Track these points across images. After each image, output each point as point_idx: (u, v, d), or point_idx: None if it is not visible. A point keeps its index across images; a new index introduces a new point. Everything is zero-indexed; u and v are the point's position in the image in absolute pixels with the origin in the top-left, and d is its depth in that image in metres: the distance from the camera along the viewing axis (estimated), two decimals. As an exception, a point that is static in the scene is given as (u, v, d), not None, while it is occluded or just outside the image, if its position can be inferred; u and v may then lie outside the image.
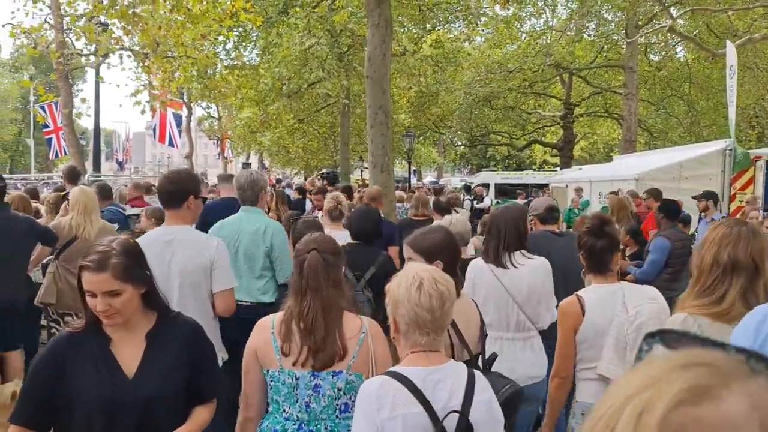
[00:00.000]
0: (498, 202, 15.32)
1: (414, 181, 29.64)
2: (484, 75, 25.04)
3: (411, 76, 17.75)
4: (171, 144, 21.61)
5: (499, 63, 25.19)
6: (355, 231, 4.02)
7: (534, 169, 35.37)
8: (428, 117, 25.46)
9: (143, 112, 11.58)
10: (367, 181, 15.79)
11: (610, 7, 23.02)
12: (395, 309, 1.80)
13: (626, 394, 0.46)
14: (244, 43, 18.54)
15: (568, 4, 25.31)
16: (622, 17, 22.77)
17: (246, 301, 3.79)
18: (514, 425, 2.33)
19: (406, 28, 18.46)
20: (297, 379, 2.11)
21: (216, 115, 31.25)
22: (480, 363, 2.48)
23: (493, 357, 2.55)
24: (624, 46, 24.08)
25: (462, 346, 2.37)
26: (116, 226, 4.94)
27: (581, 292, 2.75)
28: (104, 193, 6.25)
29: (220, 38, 16.36)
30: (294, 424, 2.12)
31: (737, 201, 11.26)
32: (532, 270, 3.24)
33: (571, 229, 10.11)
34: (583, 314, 2.66)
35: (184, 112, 24.75)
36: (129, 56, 11.78)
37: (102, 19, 11.29)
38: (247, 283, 3.86)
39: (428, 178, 47.41)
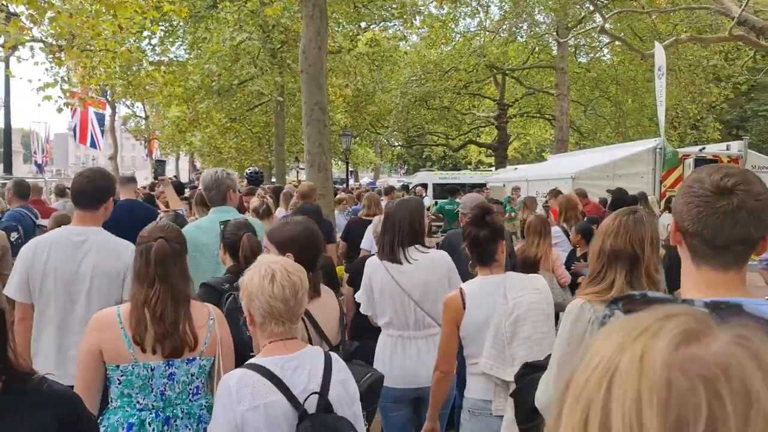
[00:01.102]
0: (436, 203, 15.15)
1: (351, 181, 29.26)
2: (420, 74, 24.99)
3: (347, 74, 17.36)
4: (93, 145, 20.42)
5: (434, 63, 25.19)
6: None
7: (470, 169, 35.68)
8: (364, 117, 25.18)
9: (60, 110, 10.67)
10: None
11: (542, 8, 23.41)
12: (249, 302, 1.83)
13: (616, 344, 0.50)
14: (170, 39, 17.64)
15: (502, 5, 25.61)
16: (554, 19, 23.21)
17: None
18: (375, 412, 2.51)
19: (341, 26, 18.07)
20: (152, 369, 2.14)
21: (142, 114, 29.86)
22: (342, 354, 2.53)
23: (354, 347, 2.68)
24: (555, 48, 24.61)
25: (320, 339, 2.43)
26: (15, 234, 4.32)
27: (464, 285, 2.69)
28: (20, 190, 5.53)
29: (145, 33, 15.48)
30: (150, 413, 2.15)
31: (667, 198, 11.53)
32: (428, 265, 3.16)
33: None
34: (464, 308, 2.61)
35: (108, 111, 23.44)
36: (41, 48, 10.76)
37: (11, 8, 10.34)
38: None
39: (365, 179, 47.18)
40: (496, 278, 2.65)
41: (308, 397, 1.77)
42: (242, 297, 1.87)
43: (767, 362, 0.46)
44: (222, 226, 3.28)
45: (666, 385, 0.45)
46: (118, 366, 2.13)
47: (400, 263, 3.13)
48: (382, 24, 20.01)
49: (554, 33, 22.96)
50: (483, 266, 2.70)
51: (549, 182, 13.07)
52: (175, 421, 2.20)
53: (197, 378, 2.25)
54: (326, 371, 1.86)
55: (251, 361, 1.85)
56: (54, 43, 10.25)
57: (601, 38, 25.49)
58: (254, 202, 4.69)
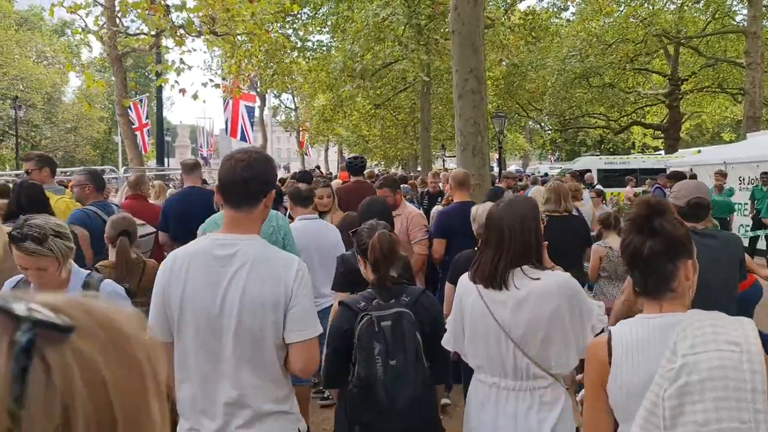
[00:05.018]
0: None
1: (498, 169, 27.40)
2: (580, 47, 22.52)
3: (500, 47, 15.71)
4: (243, 138, 20.69)
5: (596, 35, 22.59)
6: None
7: (633, 154, 32.07)
8: (515, 100, 23.26)
9: (179, 91, 10.27)
10: (443, 171, 14.05)
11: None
12: None
13: None
14: (312, 21, 17.16)
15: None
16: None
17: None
18: None
19: (493, -1, 16.47)
20: None
21: (292, 106, 30.37)
22: None
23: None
24: (740, 12, 21.09)
25: None
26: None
27: (616, 327, 1.77)
28: (97, 182, 4.60)
29: (288, 18, 15.08)
30: None
31: None
32: (539, 292, 2.28)
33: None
34: (610, 362, 1.71)
35: (257, 103, 23.84)
36: (184, 34, 10.40)
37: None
38: None
39: (512, 166, 44.89)
40: (668, 319, 1.67)
41: None
42: None
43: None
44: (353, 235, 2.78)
45: None
46: None
47: (497, 289, 2.32)
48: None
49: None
50: (649, 298, 1.74)
51: (758, 165, 10.57)
52: None
53: None
54: None
55: None
56: (196, 27, 9.82)
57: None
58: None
